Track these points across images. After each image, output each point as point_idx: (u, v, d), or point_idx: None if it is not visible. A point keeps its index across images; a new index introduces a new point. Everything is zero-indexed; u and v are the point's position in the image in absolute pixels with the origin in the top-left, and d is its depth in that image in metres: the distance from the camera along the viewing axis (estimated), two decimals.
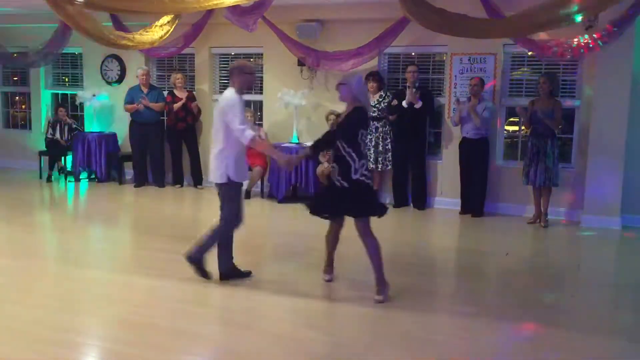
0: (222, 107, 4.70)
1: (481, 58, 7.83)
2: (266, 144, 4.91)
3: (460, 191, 7.89)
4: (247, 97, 9.20)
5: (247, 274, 5.06)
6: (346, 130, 4.56)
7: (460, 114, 7.61)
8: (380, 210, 4.61)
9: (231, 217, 4.86)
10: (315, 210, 4.74)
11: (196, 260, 4.87)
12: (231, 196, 4.84)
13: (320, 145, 4.91)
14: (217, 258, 4.96)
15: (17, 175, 10.19)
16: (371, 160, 7.86)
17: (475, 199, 7.74)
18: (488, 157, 7.75)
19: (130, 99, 9.24)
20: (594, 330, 4.19)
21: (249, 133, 4.61)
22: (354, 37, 8.10)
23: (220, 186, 4.82)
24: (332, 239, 4.91)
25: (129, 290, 4.81)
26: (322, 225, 4.86)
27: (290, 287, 4.89)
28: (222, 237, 4.91)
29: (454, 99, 7.85)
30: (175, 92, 9.21)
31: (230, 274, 4.98)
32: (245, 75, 4.79)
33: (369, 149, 7.79)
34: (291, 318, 4.34)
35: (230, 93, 4.73)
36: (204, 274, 4.92)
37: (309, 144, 8.36)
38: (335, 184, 4.58)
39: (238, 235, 5.04)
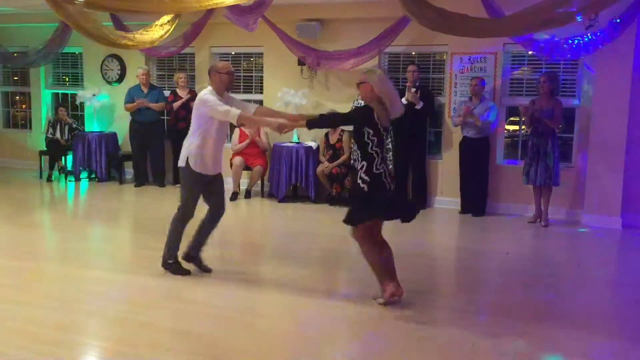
0: (196, 104, 4.87)
1: (481, 58, 7.83)
2: (256, 118, 4.95)
3: (460, 191, 7.90)
4: (247, 96, 9.33)
5: (208, 270, 5.12)
6: (343, 119, 4.56)
7: (462, 119, 7.57)
8: (373, 216, 4.34)
9: (186, 206, 4.95)
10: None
11: (166, 263, 5.04)
12: (187, 183, 4.93)
13: (316, 121, 4.69)
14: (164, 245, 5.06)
15: (17, 175, 10.19)
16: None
17: (475, 199, 7.73)
18: (488, 156, 7.74)
19: (130, 98, 9.24)
20: (594, 329, 4.18)
21: (235, 112, 4.71)
22: (354, 37, 8.09)
23: (180, 169, 4.95)
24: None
25: (129, 290, 4.81)
26: (321, 225, 4.85)
27: (289, 286, 4.88)
28: (178, 226, 5.00)
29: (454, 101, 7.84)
30: (178, 91, 9.23)
31: (192, 259, 5.11)
32: (221, 75, 4.88)
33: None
34: (291, 317, 4.35)
35: (204, 91, 4.88)
36: (182, 272, 5.05)
37: (310, 143, 8.52)
38: None
39: (238, 235, 5.03)
